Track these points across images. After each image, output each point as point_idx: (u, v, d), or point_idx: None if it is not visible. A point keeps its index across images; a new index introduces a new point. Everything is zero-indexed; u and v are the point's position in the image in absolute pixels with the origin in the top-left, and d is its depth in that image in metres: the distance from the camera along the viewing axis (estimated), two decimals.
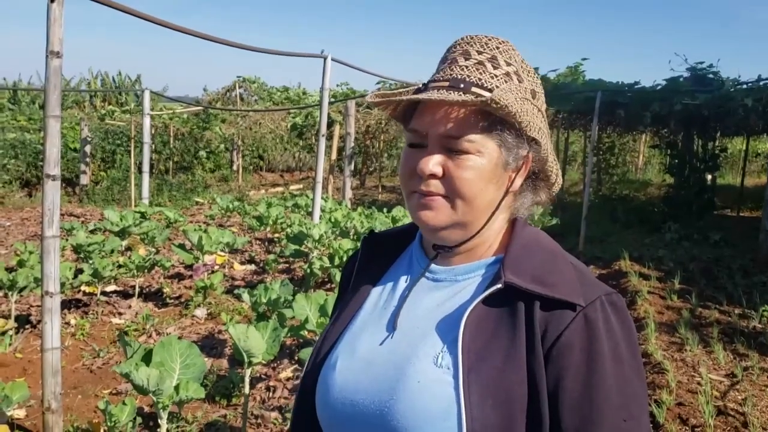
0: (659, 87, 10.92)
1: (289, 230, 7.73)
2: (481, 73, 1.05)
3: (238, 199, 12.78)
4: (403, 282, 1.19)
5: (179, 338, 5.42)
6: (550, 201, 1.22)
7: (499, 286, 1.04)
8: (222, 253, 7.78)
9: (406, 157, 1.09)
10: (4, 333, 5.10)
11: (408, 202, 1.11)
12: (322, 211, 8.21)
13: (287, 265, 8.05)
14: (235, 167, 19.39)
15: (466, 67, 1.06)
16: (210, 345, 5.35)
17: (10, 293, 5.29)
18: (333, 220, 7.56)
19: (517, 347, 1.00)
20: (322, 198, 8.44)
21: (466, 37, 1.11)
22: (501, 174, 1.09)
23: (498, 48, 1.09)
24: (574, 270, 1.08)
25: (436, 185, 1.05)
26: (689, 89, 10.35)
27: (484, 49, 1.08)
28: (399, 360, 1.06)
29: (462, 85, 1.04)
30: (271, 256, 7.78)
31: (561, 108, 11.95)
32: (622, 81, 11.59)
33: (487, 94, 1.03)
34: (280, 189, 17.44)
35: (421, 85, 1.12)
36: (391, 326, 1.12)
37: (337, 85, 17.51)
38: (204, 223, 10.91)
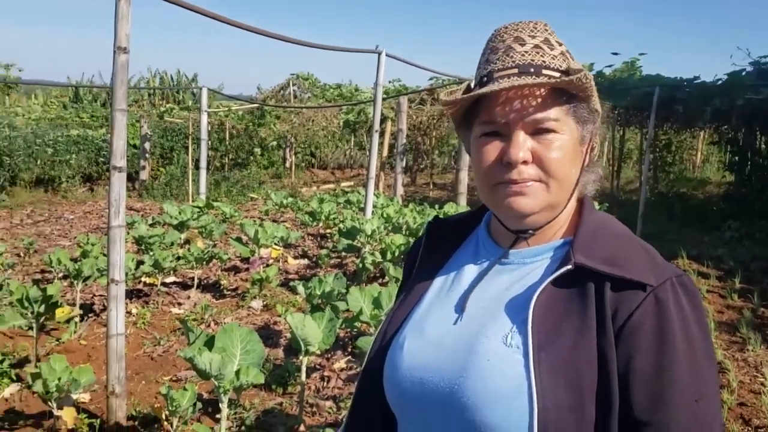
0: (720, 82, 10.63)
1: (341, 226, 7.80)
2: (542, 56, 1.07)
3: (291, 195, 12.96)
4: (469, 266, 1.21)
5: None
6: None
7: (569, 267, 1.05)
8: (277, 247, 7.91)
9: (484, 149, 1.09)
10: (69, 320, 5.29)
11: (493, 194, 1.10)
12: (374, 207, 8.26)
13: (339, 259, 8.13)
14: (287, 164, 19.63)
15: (526, 52, 1.07)
16: (266, 335, 5.45)
17: (75, 282, 5.49)
18: (385, 215, 7.61)
19: (588, 327, 1.01)
20: (374, 194, 8.50)
21: (510, 25, 1.12)
22: (579, 150, 1.11)
23: (546, 30, 1.11)
24: (644, 252, 1.08)
25: (528, 171, 1.06)
26: (752, 83, 10.04)
27: (535, 33, 1.10)
28: (468, 340, 1.08)
29: (532, 69, 1.06)
30: (324, 251, 7.88)
31: (617, 104, 11.73)
32: (680, 76, 11.34)
33: (556, 74, 1.06)
34: (331, 186, 17.59)
35: (474, 80, 1.14)
36: (460, 308, 1.14)
37: (390, 82, 17.56)
38: (259, 218, 11.10)
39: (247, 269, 7.27)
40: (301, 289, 4.87)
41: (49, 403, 3.60)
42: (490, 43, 1.13)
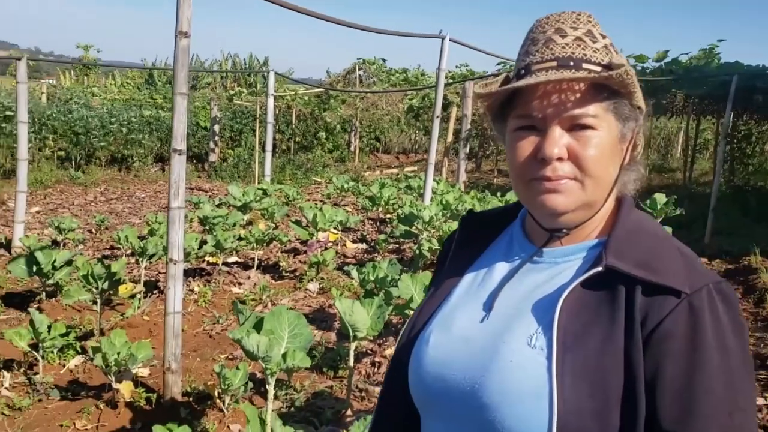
0: None
1: (400, 211, 7.81)
2: (584, 49, 1.03)
3: (353, 179, 13.05)
4: (500, 263, 1.18)
5: (291, 309, 5.64)
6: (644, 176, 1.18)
7: (599, 269, 1.02)
8: (335, 231, 7.98)
9: (519, 144, 1.06)
10: (133, 296, 5.48)
11: (526, 190, 1.07)
12: (434, 193, 8.22)
13: (397, 245, 8.14)
14: (352, 148, 19.75)
15: (567, 44, 1.04)
16: (320, 318, 5.52)
17: (140, 260, 5.68)
18: (444, 202, 7.55)
19: (615, 332, 0.98)
20: (435, 180, 8.45)
21: (552, 15, 1.08)
22: (618, 148, 1.07)
23: (590, 21, 1.07)
24: (681, 257, 1.03)
25: (563, 168, 1.03)
26: None
27: (578, 25, 1.06)
28: (493, 339, 1.06)
29: (572, 63, 1.02)
30: (382, 236, 7.90)
31: (691, 93, 11.27)
32: (763, 64, 10.79)
33: (597, 68, 1.02)
34: (394, 170, 17.60)
35: (512, 73, 1.11)
36: (488, 306, 1.12)
37: (456, 66, 17.42)
38: (320, 201, 11.23)
39: (306, 252, 7.37)
40: (355, 274, 4.90)
41: (109, 376, 3.75)
42: (530, 34, 1.09)
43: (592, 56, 1.03)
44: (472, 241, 1.27)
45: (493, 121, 1.17)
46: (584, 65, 1.02)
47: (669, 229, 6.97)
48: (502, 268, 1.17)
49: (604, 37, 1.06)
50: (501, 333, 1.06)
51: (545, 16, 1.09)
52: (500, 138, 1.16)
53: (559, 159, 1.02)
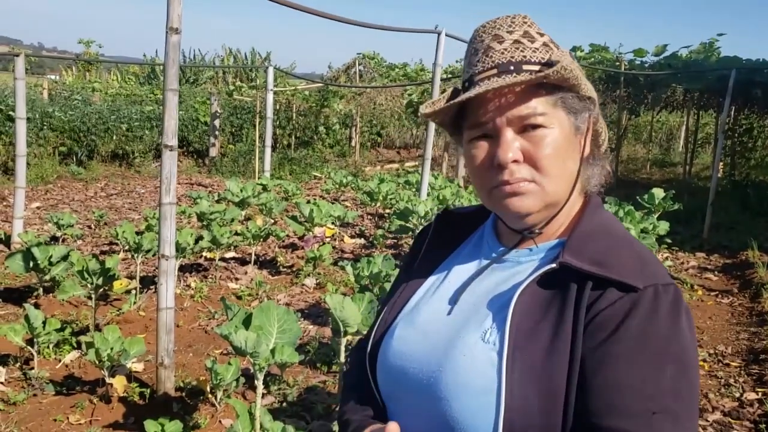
0: None
1: (396, 206, 7.81)
2: (522, 51, 1.05)
3: (353, 174, 13.04)
4: (470, 262, 1.20)
5: (287, 305, 5.65)
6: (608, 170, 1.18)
7: (553, 265, 1.03)
8: (332, 226, 7.99)
9: (475, 154, 1.08)
10: (128, 292, 5.51)
11: (489, 198, 1.09)
12: (432, 188, 8.22)
13: (395, 240, 8.15)
14: (352, 143, 19.72)
15: (505, 50, 1.05)
16: (316, 313, 5.54)
17: (135, 255, 5.69)
18: (440, 197, 7.56)
19: (564, 330, 0.99)
20: (433, 175, 8.44)
21: (488, 23, 1.09)
22: (574, 141, 1.08)
23: (525, 22, 1.08)
24: (637, 257, 1.03)
25: (520, 171, 1.04)
26: None
27: (513, 28, 1.07)
28: (451, 334, 1.09)
29: (512, 67, 1.04)
30: (379, 231, 7.91)
31: (691, 87, 11.24)
32: (762, 58, 10.75)
33: (537, 67, 1.04)
34: (395, 165, 17.59)
35: (460, 86, 1.13)
36: (453, 302, 1.14)
37: (456, 61, 17.38)
38: (319, 196, 11.23)
39: (304, 247, 7.38)
40: (349, 269, 4.90)
41: (102, 371, 3.77)
42: (471, 46, 1.11)
43: (532, 56, 1.05)
44: (445, 238, 1.29)
45: (451, 135, 1.20)
46: (525, 67, 1.04)
47: (665, 229, 6.95)
48: (470, 267, 1.19)
49: (542, 35, 1.08)
50: (459, 328, 1.08)
51: (482, 24, 1.10)
52: (460, 150, 1.18)
53: (515, 162, 1.04)
